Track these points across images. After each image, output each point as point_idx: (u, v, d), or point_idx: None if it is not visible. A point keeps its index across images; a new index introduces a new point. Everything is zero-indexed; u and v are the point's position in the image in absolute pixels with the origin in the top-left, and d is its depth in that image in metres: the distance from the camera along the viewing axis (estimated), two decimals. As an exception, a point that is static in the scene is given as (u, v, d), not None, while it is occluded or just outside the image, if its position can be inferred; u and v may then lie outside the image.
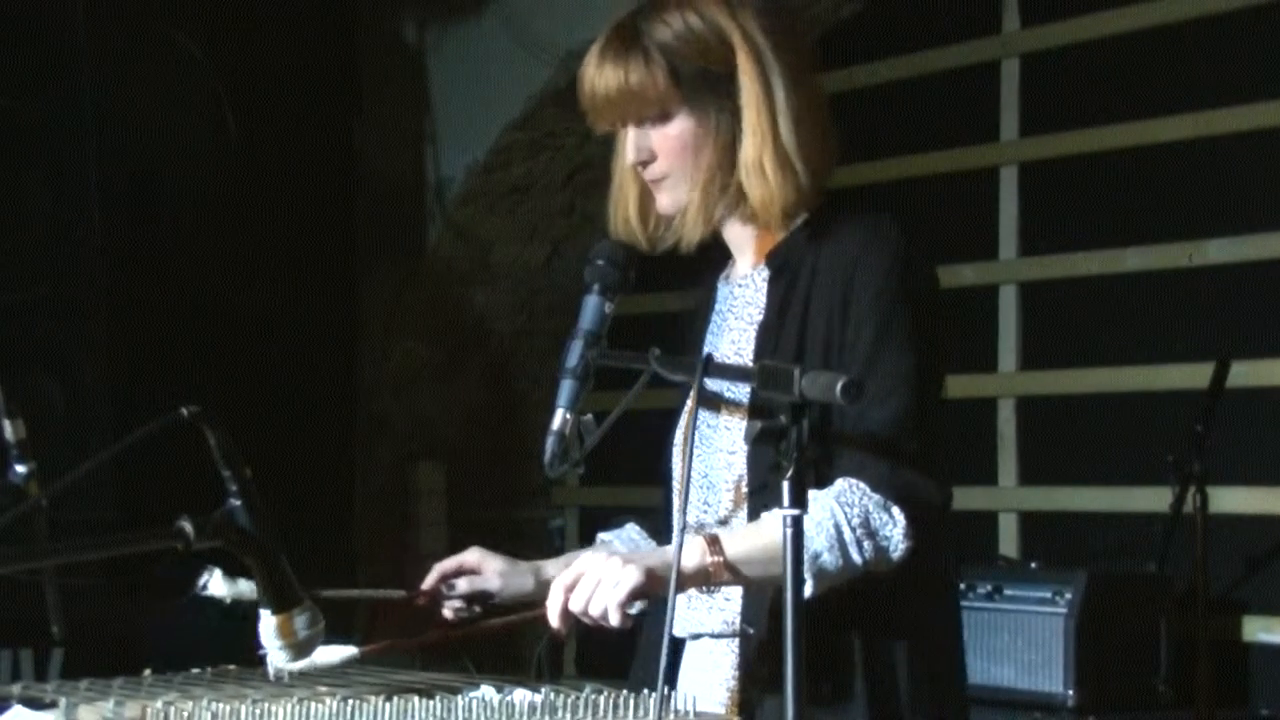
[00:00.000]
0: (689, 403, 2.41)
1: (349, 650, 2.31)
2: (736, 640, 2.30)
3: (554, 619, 2.12)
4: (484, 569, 2.46)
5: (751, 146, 2.30)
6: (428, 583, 2.45)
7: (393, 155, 5.76)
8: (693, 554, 2.13)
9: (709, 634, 2.33)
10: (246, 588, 2.19)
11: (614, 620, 2.09)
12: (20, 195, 4.58)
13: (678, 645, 2.42)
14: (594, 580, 2.09)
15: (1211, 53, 4.66)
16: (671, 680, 2.40)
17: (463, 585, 2.45)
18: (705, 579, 2.15)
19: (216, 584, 2.22)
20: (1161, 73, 4.76)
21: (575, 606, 2.10)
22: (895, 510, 2.18)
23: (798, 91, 2.32)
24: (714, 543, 2.14)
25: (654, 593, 2.11)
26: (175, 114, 5.08)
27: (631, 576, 2.08)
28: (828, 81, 5.26)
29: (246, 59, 5.26)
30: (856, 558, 2.16)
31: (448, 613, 2.46)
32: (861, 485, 2.18)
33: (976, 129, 5.09)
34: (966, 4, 5.18)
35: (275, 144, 5.35)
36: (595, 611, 2.09)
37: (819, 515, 2.14)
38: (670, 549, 2.14)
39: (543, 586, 2.44)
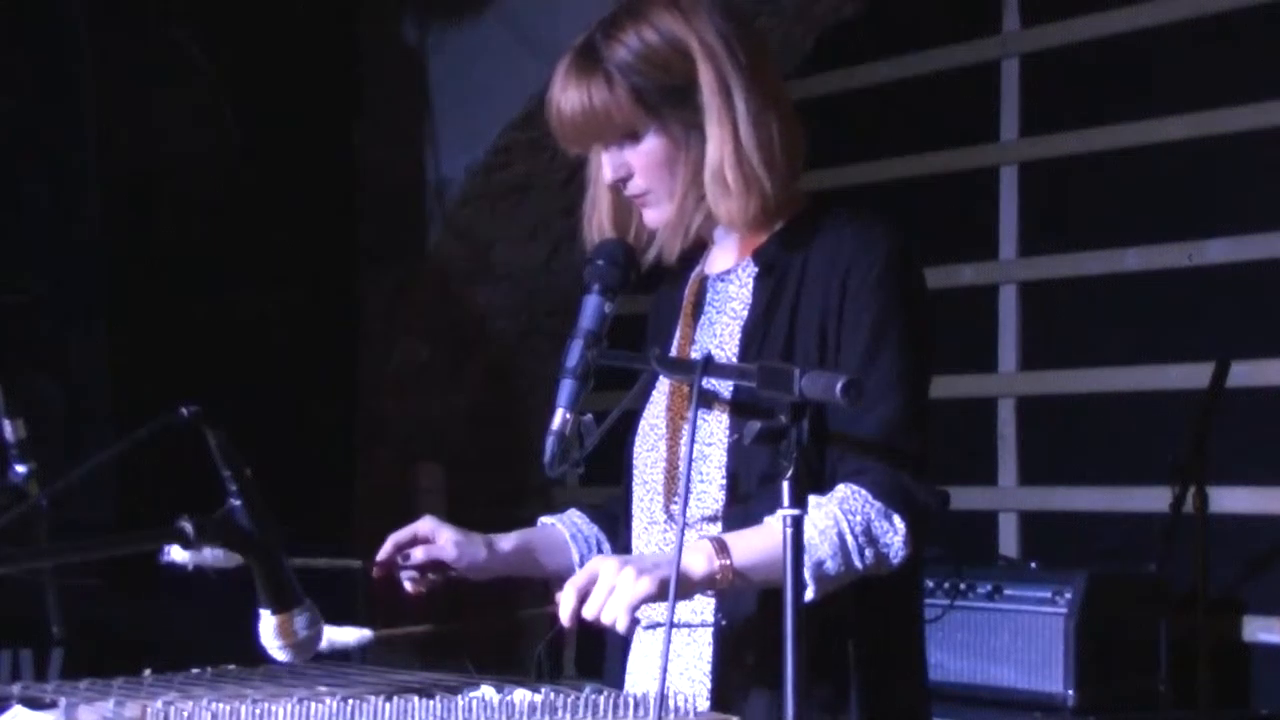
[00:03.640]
0: (661, 396, 2.43)
1: (364, 632, 2.31)
2: (705, 631, 2.31)
3: (565, 619, 2.13)
4: (438, 538, 2.45)
5: (714, 158, 2.31)
6: (383, 553, 2.44)
7: (393, 155, 5.76)
8: (700, 560, 2.14)
9: (682, 625, 2.33)
10: (210, 555, 2.18)
11: (621, 629, 2.10)
12: (20, 195, 4.58)
13: (627, 635, 2.43)
14: (607, 588, 2.10)
15: (1211, 53, 4.65)
16: (623, 670, 2.42)
17: (418, 554, 2.45)
18: (713, 585, 2.16)
19: (179, 551, 2.21)
20: (1161, 73, 4.76)
21: (588, 614, 2.11)
22: (896, 518, 2.20)
23: (758, 94, 2.33)
24: (722, 548, 2.15)
25: (665, 601, 2.12)
26: (176, 114, 5.08)
27: (644, 588, 2.09)
28: (827, 81, 5.36)
29: (246, 59, 5.26)
30: (858, 564, 2.18)
31: (406, 584, 2.45)
32: (863, 492, 2.20)
33: (976, 129, 5.09)
34: (966, 4, 5.18)
35: (275, 144, 5.35)
36: (606, 620, 2.10)
37: (823, 523, 2.15)
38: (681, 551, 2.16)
39: (495, 557, 2.47)
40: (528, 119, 5.27)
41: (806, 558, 2.10)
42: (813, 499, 2.07)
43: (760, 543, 2.15)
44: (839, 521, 2.17)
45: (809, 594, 2.12)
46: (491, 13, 5.47)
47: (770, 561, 2.08)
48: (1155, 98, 4.74)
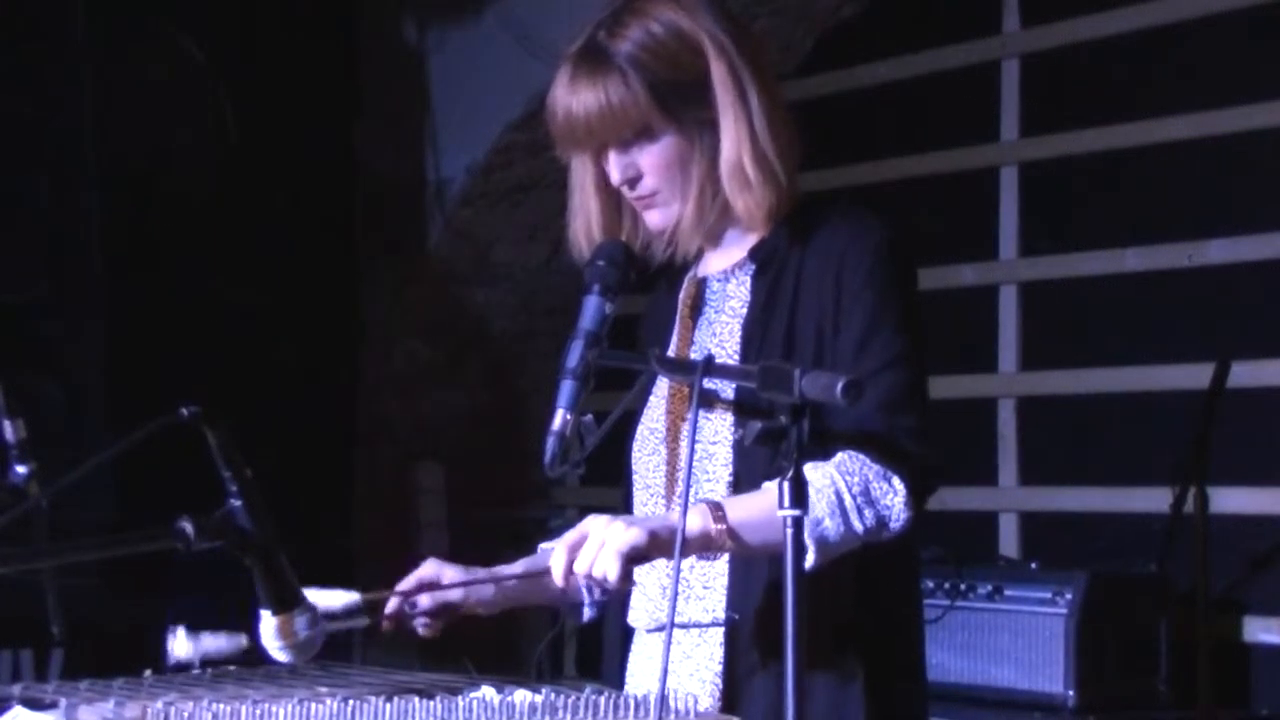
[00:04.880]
0: (659, 400, 2.43)
1: (351, 596, 2.31)
2: (716, 631, 2.30)
3: (558, 578, 2.14)
4: (443, 580, 2.45)
5: (731, 153, 2.31)
6: (390, 607, 2.43)
7: (393, 155, 5.76)
8: (695, 520, 2.14)
9: (692, 624, 2.33)
10: (211, 643, 2.19)
11: (612, 580, 2.09)
12: (20, 195, 4.58)
13: (627, 635, 2.43)
14: (598, 542, 2.10)
15: (1211, 53, 4.65)
16: (622, 672, 2.42)
17: (425, 601, 2.44)
18: (708, 545, 2.16)
19: (180, 645, 2.22)
20: (1161, 73, 4.76)
21: (579, 568, 2.11)
22: (895, 480, 2.20)
23: (764, 88, 2.33)
24: (717, 509, 2.15)
25: (655, 555, 2.12)
26: (175, 114, 5.08)
27: (634, 538, 2.09)
28: (828, 81, 5.36)
29: (246, 59, 5.26)
30: (858, 526, 2.18)
31: (419, 630, 2.45)
32: (860, 456, 2.20)
33: (976, 129, 5.09)
34: (966, 4, 5.18)
35: (275, 144, 5.35)
36: (597, 573, 2.10)
37: (820, 483, 2.15)
38: (673, 512, 2.16)
39: (502, 590, 2.47)
40: (528, 119, 5.27)
41: (804, 519, 2.09)
42: (809, 464, 2.06)
43: (757, 505, 2.15)
44: (835, 481, 2.17)
45: (810, 559, 2.11)
46: (491, 13, 5.47)
47: (767, 522, 2.08)
48: (1155, 98, 4.74)
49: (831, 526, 2.16)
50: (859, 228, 2.32)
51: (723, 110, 2.31)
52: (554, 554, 2.14)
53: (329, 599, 2.27)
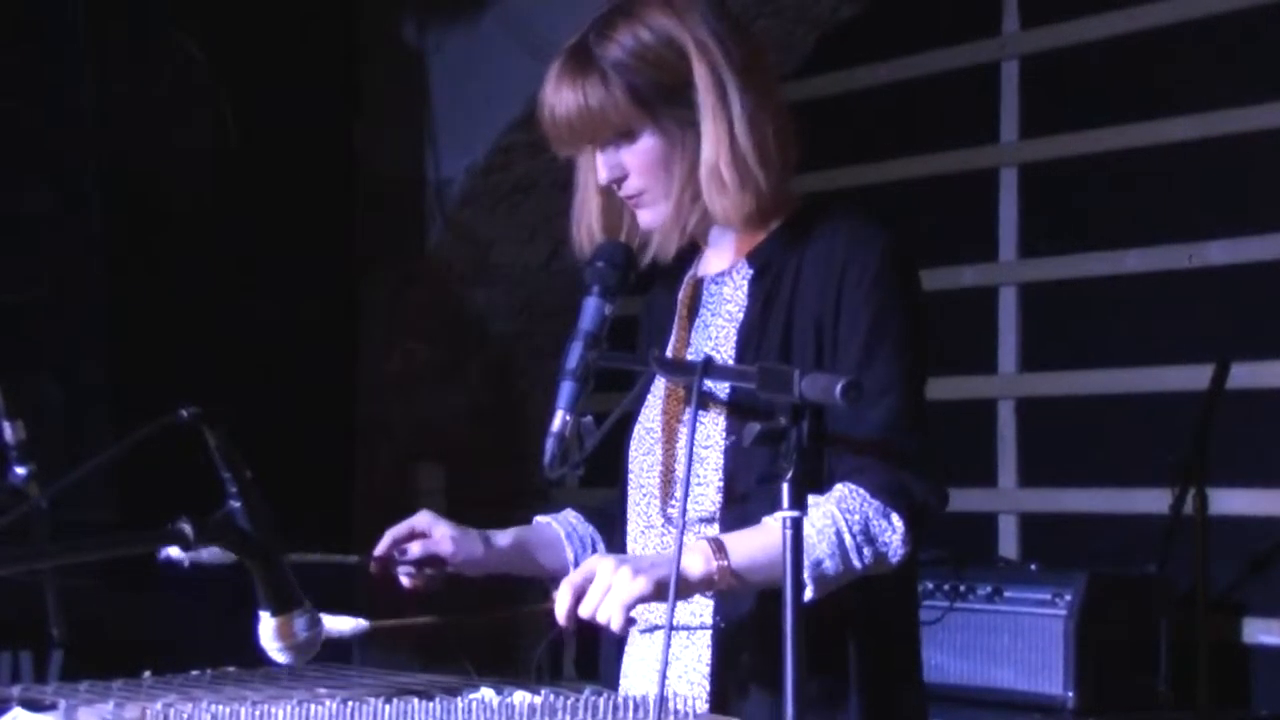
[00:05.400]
0: (656, 400, 2.43)
1: (359, 622, 2.31)
2: (704, 633, 2.30)
3: (561, 618, 2.13)
4: (435, 533, 2.45)
5: (709, 155, 2.31)
6: (380, 549, 2.44)
7: (393, 155, 5.76)
8: (698, 561, 2.14)
9: (680, 627, 2.32)
10: (207, 551, 2.17)
11: (615, 627, 2.10)
12: (20, 195, 4.58)
13: (622, 636, 2.43)
14: (603, 587, 2.10)
15: (1211, 53, 4.65)
16: (616, 673, 2.42)
17: (415, 549, 2.44)
18: (710, 585, 2.16)
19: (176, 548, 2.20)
20: (1161, 73, 4.76)
21: (583, 613, 2.11)
22: (894, 517, 2.20)
23: (752, 93, 2.32)
24: (719, 549, 2.15)
25: (661, 601, 2.11)
26: (175, 114, 5.08)
27: (640, 588, 2.09)
28: (828, 82, 5.35)
29: (246, 59, 5.26)
30: (857, 564, 2.18)
31: (403, 579, 2.44)
32: (861, 491, 2.20)
33: (976, 130, 5.09)
34: (966, 4, 5.18)
35: (275, 144, 5.35)
36: (601, 620, 2.10)
37: (821, 523, 2.15)
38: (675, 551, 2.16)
39: (492, 553, 2.46)
40: (528, 120, 5.24)
41: (805, 558, 2.09)
42: (810, 499, 2.07)
43: (758, 543, 2.15)
44: (836, 521, 2.17)
45: (808, 594, 2.11)
46: (491, 13, 5.47)
47: (768, 562, 2.08)
48: (1155, 99, 4.74)
49: (830, 566, 2.17)
50: (860, 235, 2.31)
51: (703, 113, 2.31)
52: (559, 594, 2.13)
53: (337, 624, 2.26)
